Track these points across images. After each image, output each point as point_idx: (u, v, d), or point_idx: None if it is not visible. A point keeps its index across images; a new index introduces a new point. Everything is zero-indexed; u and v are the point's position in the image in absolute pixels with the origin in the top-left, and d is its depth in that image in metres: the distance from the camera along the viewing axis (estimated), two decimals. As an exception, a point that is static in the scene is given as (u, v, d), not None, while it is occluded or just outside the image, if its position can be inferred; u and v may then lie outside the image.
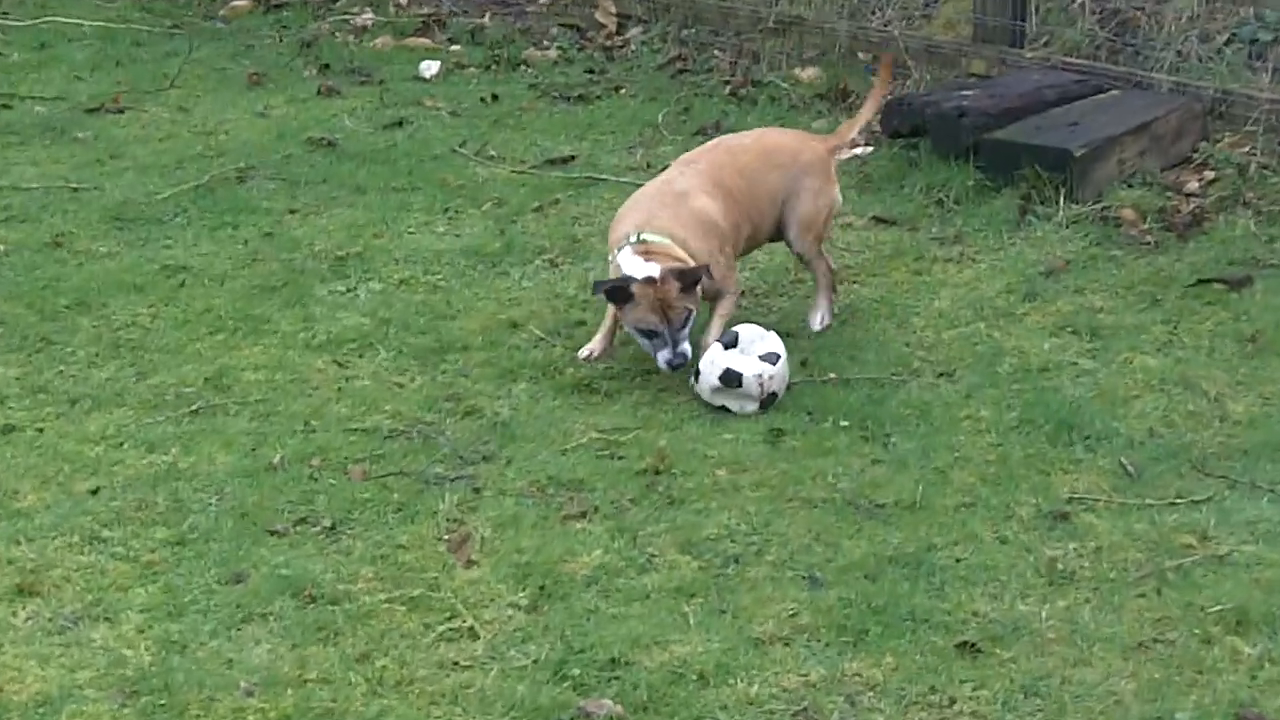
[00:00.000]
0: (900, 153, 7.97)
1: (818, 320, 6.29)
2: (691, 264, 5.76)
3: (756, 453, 5.44)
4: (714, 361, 5.69)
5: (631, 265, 5.72)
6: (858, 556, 4.81)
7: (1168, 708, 4.13)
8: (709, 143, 6.58)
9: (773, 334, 5.84)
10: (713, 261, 5.83)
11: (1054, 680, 4.25)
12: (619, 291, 5.70)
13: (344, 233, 7.38)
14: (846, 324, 6.39)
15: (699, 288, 5.75)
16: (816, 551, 4.86)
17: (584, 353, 6.09)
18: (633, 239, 5.81)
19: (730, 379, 5.64)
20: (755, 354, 5.70)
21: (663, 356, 5.70)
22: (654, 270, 5.67)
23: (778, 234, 6.30)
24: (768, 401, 5.67)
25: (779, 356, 5.72)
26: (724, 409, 5.68)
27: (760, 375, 5.65)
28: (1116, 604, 4.57)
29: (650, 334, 5.71)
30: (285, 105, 9.39)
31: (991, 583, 4.68)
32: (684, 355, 5.70)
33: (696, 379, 5.74)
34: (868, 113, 6.73)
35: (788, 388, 5.76)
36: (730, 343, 5.75)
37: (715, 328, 5.94)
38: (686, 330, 5.73)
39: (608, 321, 6.11)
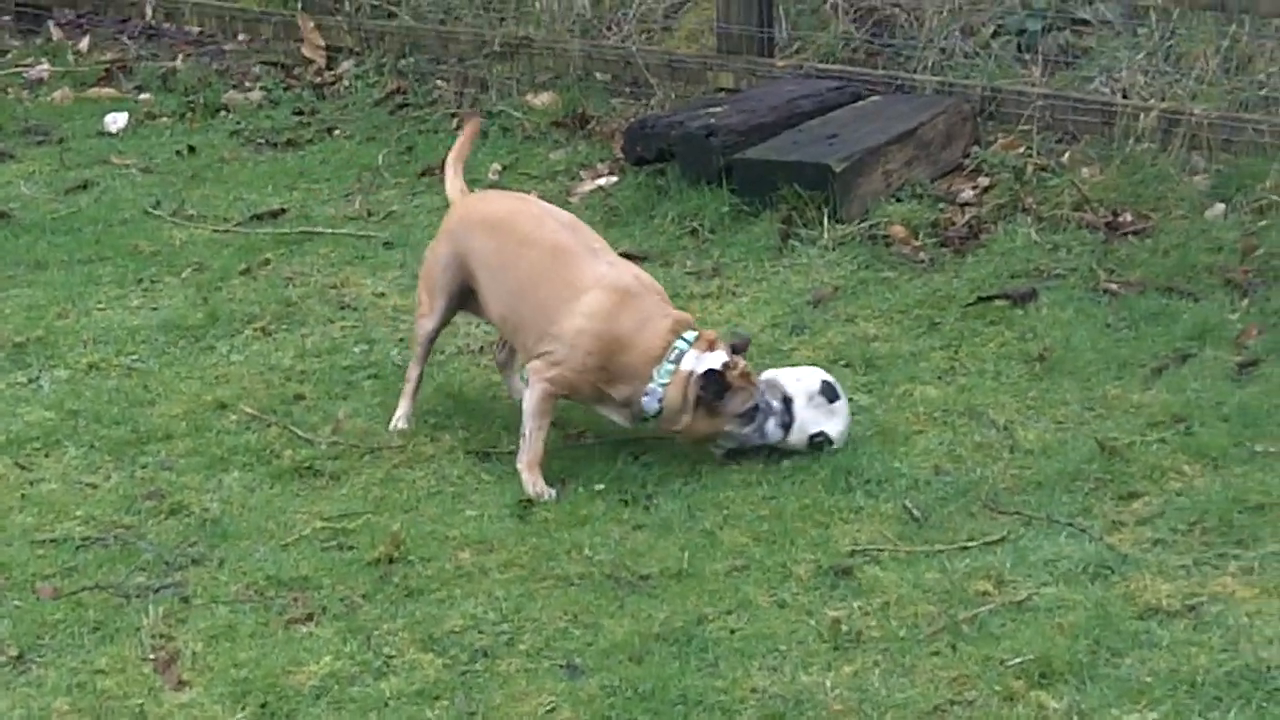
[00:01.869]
0: (647, 180, 7.98)
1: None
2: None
3: (504, 529, 5.35)
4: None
5: (707, 360, 5.57)
6: (621, 637, 4.73)
7: (969, 777, 4.13)
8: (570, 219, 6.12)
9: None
10: None
11: (844, 758, 4.23)
12: (717, 386, 5.55)
13: (22, 316, 7.18)
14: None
15: None
16: (575, 635, 4.77)
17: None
18: (687, 339, 5.63)
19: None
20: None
21: (773, 423, 5.65)
22: (721, 357, 5.61)
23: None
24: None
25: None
26: None
27: None
28: (908, 665, 4.54)
29: (752, 413, 5.63)
30: (-50, 175, 9.16)
31: (770, 654, 4.62)
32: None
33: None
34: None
35: None
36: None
37: None
38: None
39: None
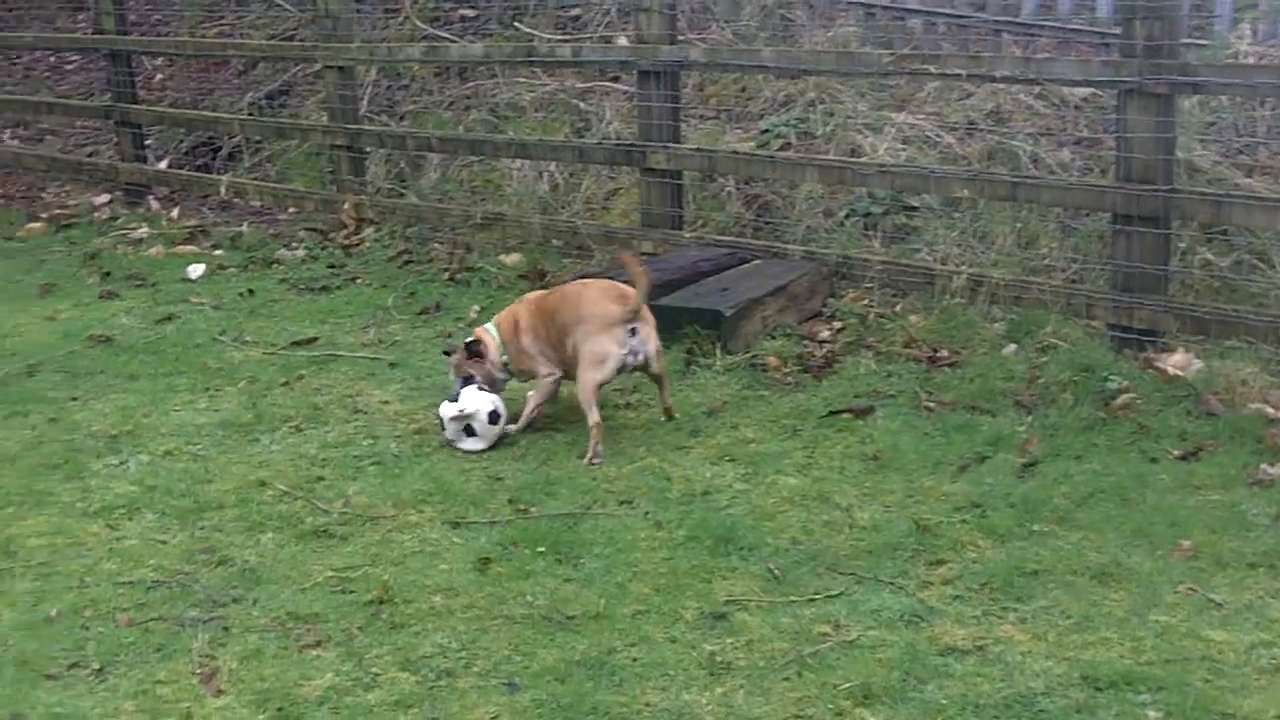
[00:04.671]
0: (587, 320, 7.96)
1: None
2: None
3: (467, 579, 5.30)
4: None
5: None
6: (550, 662, 4.67)
7: (807, 773, 4.07)
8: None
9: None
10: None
11: (713, 757, 4.17)
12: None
13: (118, 414, 7.14)
14: (544, 463, 6.33)
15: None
16: (516, 661, 4.71)
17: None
18: None
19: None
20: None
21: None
22: None
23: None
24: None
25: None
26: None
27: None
28: (765, 688, 4.49)
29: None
30: (71, 309, 9.18)
31: (661, 677, 4.57)
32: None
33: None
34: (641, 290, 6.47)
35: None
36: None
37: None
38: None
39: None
